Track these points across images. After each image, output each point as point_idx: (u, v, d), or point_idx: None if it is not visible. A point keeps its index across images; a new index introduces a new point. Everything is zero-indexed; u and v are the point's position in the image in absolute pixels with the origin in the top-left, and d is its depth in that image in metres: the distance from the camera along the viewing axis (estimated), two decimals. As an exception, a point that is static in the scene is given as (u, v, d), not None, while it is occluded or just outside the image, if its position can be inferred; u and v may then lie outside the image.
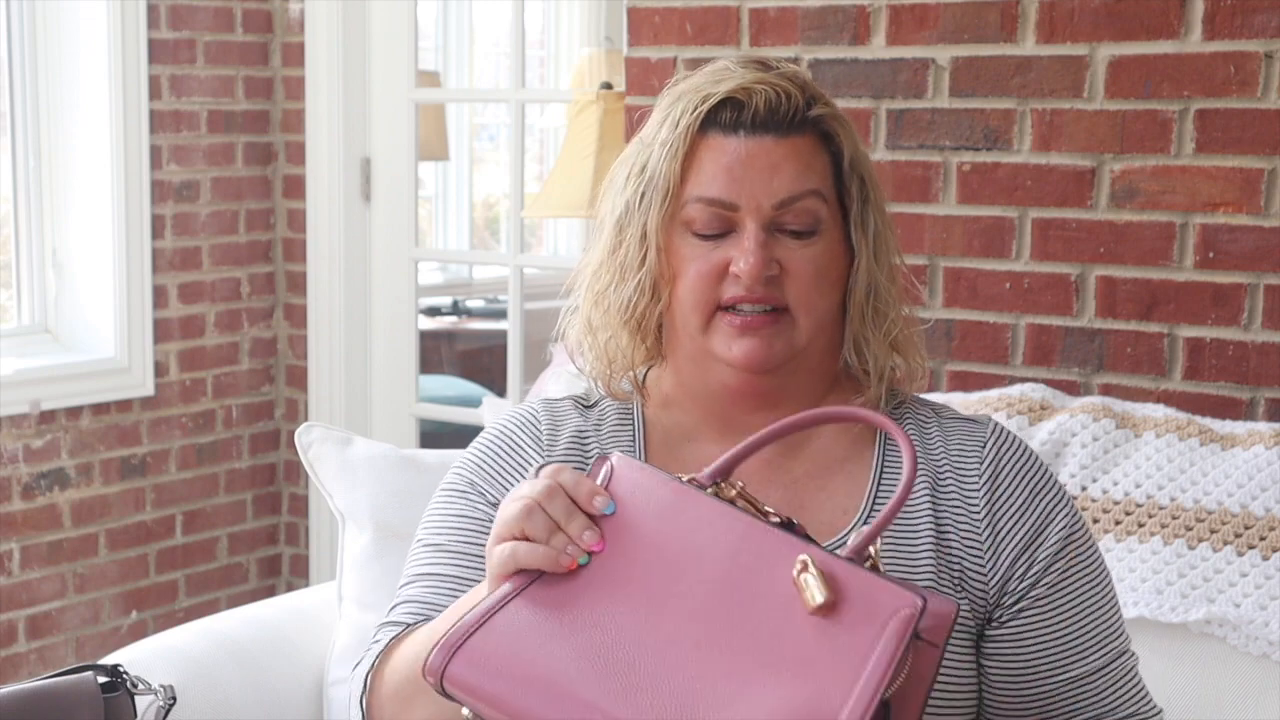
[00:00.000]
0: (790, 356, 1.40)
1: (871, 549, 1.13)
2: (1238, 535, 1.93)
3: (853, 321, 1.44)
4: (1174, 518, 1.97)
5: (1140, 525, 1.98)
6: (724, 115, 1.40)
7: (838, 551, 1.13)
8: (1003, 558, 1.40)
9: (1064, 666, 1.39)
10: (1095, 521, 2.01)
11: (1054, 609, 1.40)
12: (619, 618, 1.14)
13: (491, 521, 1.42)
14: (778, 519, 1.17)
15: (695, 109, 1.40)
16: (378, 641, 1.43)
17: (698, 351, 1.42)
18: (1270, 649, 1.86)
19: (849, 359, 1.46)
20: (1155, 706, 1.43)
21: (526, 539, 1.18)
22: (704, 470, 1.21)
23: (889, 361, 1.46)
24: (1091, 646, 1.40)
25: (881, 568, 1.13)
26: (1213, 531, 1.94)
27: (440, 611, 1.39)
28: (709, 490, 1.19)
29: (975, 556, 1.40)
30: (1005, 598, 1.40)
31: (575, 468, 1.44)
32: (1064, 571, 1.40)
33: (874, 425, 1.19)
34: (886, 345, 1.45)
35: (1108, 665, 1.40)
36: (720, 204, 1.38)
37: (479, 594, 1.26)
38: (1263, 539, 1.91)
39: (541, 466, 1.23)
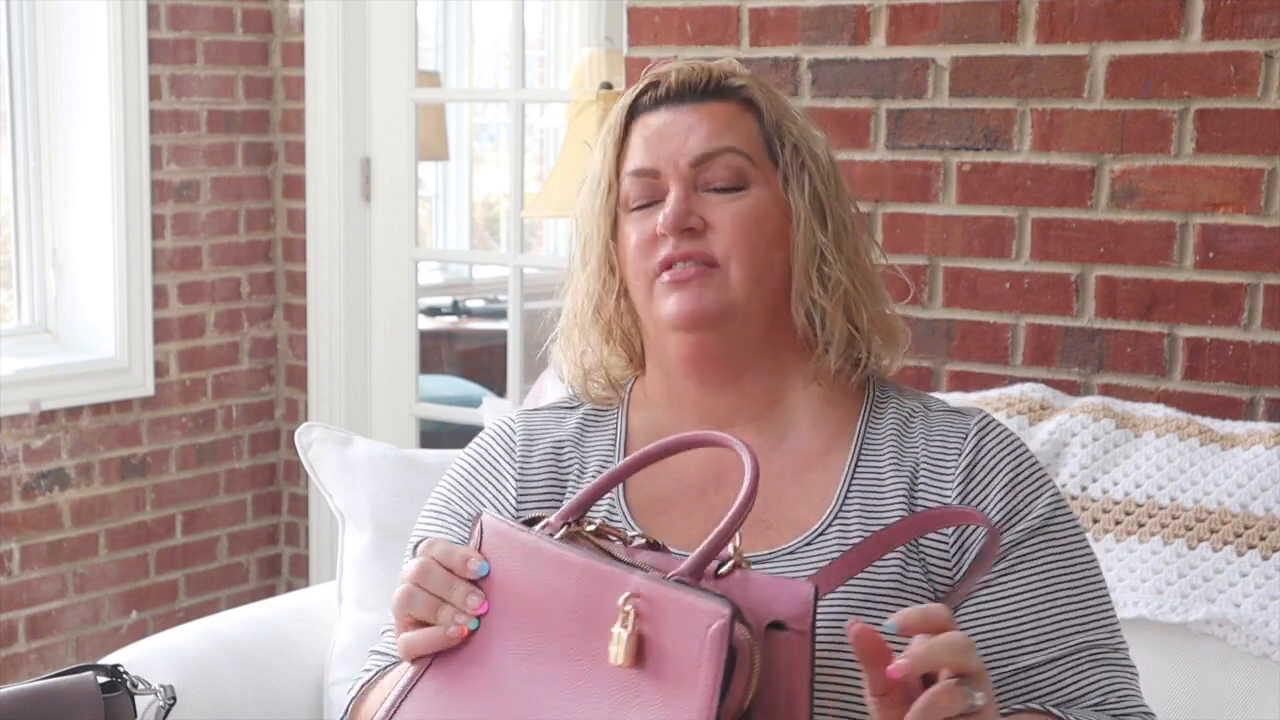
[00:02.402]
0: (727, 310, 1.40)
1: (732, 546, 1.13)
2: (1238, 535, 1.93)
3: (798, 282, 1.44)
4: (1174, 518, 1.97)
5: (1140, 525, 1.98)
6: (646, 97, 1.47)
7: (673, 574, 1.13)
8: (968, 539, 1.37)
9: (1032, 648, 1.35)
10: (1095, 521, 2.01)
11: (1017, 588, 1.36)
12: (508, 675, 1.16)
13: (465, 543, 1.45)
14: (624, 556, 1.19)
15: (623, 100, 1.48)
16: (367, 670, 1.48)
17: (654, 328, 1.45)
18: (1270, 649, 1.86)
19: (797, 320, 1.44)
20: (1142, 704, 1.38)
21: (417, 622, 1.21)
22: (556, 513, 1.23)
23: (842, 328, 1.44)
24: (1062, 630, 1.35)
25: (744, 564, 1.14)
26: (1213, 531, 1.94)
27: None
28: (560, 532, 1.20)
29: (939, 542, 1.37)
30: (965, 558, 1.37)
31: (550, 478, 1.46)
32: (1034, 551, 1.37)
33: (726, 447, 1.20)
34: (839, 311, 1.44)
35: (1077, 653, 1.35)
36: (644, 172, 1.44)
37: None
38: (1263, 539, 1.91)
39: (418, 544, 1.25)
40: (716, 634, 1.05)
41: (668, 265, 1.41)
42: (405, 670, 1.25)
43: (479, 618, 1.19)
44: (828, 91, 2.52)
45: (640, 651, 1.09)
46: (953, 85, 2.42)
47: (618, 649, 1.09)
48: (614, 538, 1.21)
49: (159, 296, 3.63)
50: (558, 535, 1.20)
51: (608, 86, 3.18)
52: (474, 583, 1.20)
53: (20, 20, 3.49)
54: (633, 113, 1.47)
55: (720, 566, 1.13)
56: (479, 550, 1.22)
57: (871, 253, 1.50)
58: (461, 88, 5.98)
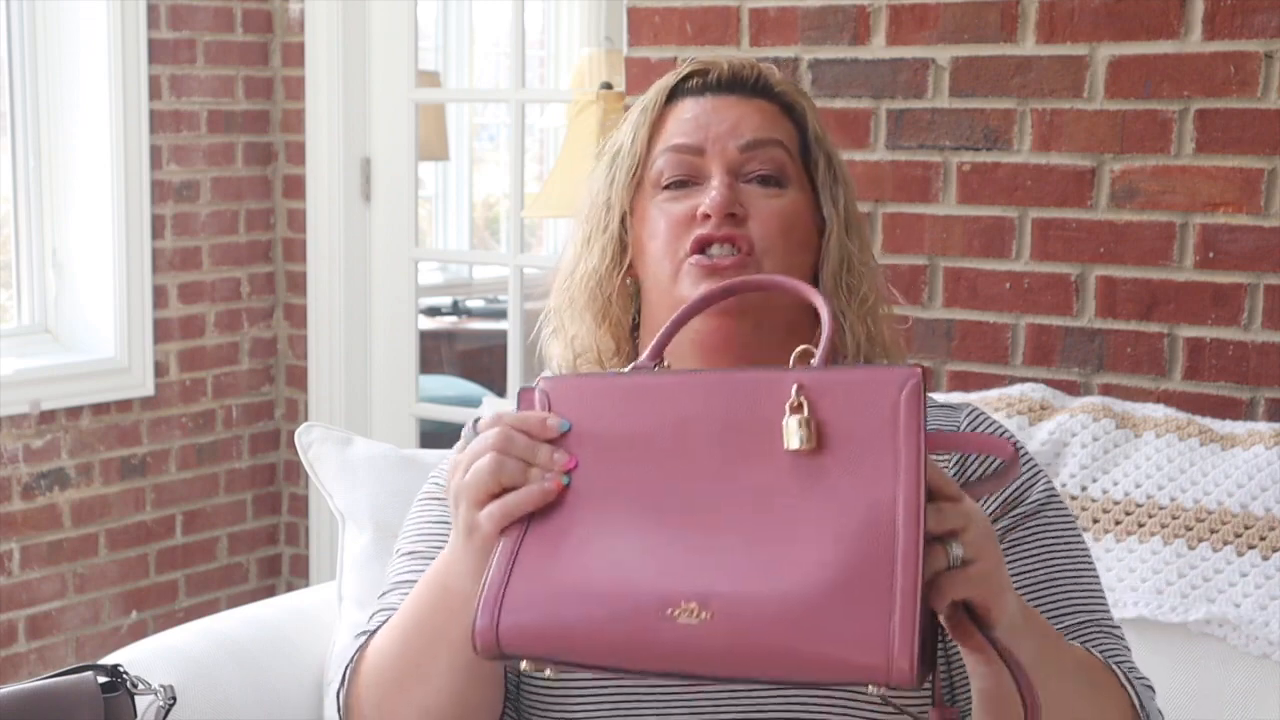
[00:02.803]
0: (758, 300, 1.38)
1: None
2: (1238, 535, 1.93)
3: (825, 289, 1.43)
4: (1174, 518, 1.97)
5: (1140, 525, 1.98)
6: (691, 83, 1.45)
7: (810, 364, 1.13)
8: None
9: None
10: (1095, 521, 2.01)
11: (1014, 571, 1.36)
12: (630, 513, 1.12)
13: None
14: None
15: (664, 82, 1.46)
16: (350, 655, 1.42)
17: (670, 307, 1.39)
18: (1270, 649, 1.86)
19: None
20: (1144, 676, 1.38)
21: (503, 491, 1.15)
22: (640, 358, 1.21)
23: (864, 338, 1.44)
24: (1060, 609, 1.36)
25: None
26: (1213, 531, 1.94)
27: None
28: (655, 370, 1.19)
29: None
30: None
31: None
32: (1029, 535, 1.38)
33: (800, 294, 1.20)
34: (863, 321, 1.44)
35: (1078, 628, 1.35)
36: (686, 149, 1.41)
37: (446, 565, 1.24)
38: (1263, 539, 1.91)
39: (477, 420, 1.20)
40: (913, 390, 1.07)
41: (703, 245, 1.38)
42: (444, 560, 1.21)
43: (568, 474, 1.14)
44: (828, 91, 2.52)
45: (821, 434, 1.08)
46: (953, 85, 2.42)
47: (792, 434, 1.08)
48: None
49: (159, 296, 3.63)
50: (655, 371, 1.18)
51: (608, 86, 3.18)
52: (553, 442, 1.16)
53: (20, 20, 3.49)
54: (672, 95, 1.45)
55: None
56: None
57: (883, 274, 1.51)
58: (461, 88, 5.98)
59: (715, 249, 1.38)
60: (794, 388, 1.09)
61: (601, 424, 1.16)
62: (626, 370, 1.19)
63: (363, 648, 1.36)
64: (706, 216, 1.38)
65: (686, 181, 1.41)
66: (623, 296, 1.47)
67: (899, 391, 1.07)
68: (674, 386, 1.15)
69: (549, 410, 1.17)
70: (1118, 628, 1.40)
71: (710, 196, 1.38)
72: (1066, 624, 1.36)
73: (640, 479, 1.13)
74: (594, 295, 1.46)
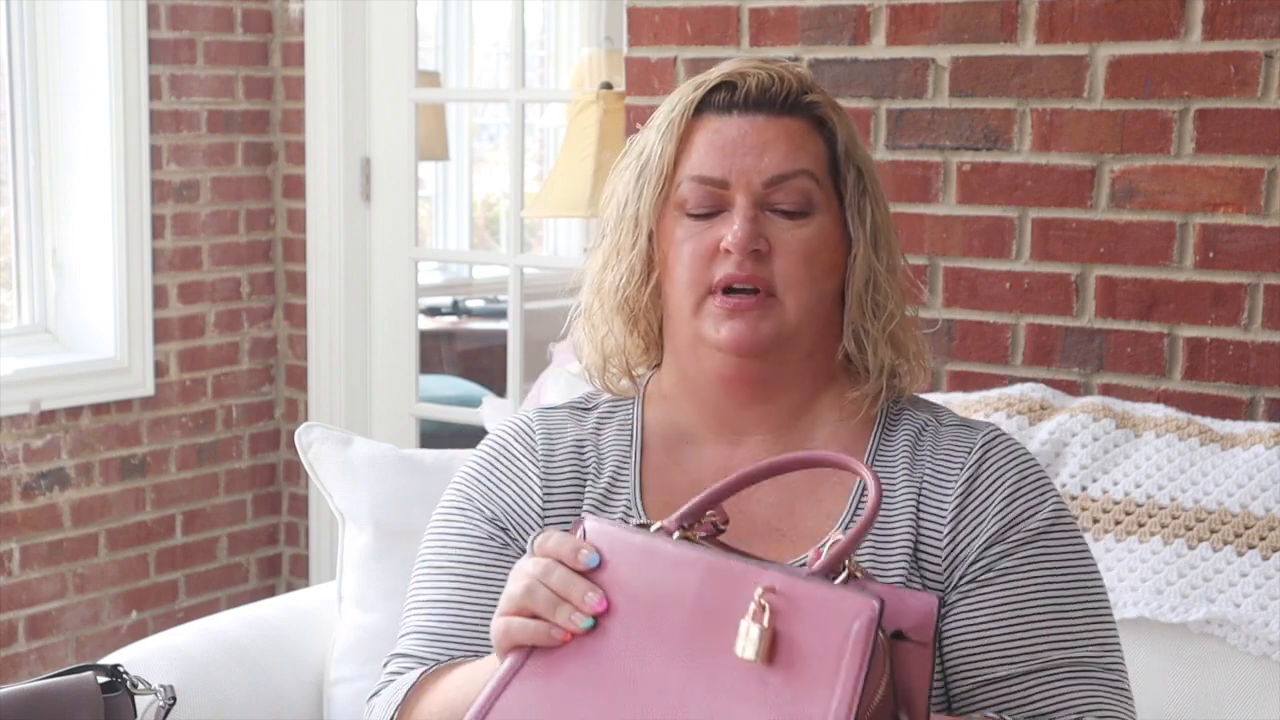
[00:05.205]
0: (779, 341, 1.39)
1: (846, 561, 1.13)
2: (1238, 535, 1.93)
3: (850, 310, 1.43)
4: (1174, 518, 1.97)
5: (1140, 525, 1.98)
6: (718, 97, 1.43)
7: (803, 566, 1.12)
8: (960, 541, 1.36)
9: (1005, 660, 1.33)
10: (1095, 521, 2.01)
11: (999, 598, 1.35)
12: (612, 672, 1.14)
13: (489, 538, 1.45)
14: (741, 553, 1.18)
15: (691, 94, 1.43)
16: (393, 676, 1.44)
17: (690, 337, 1.42)
18: (1270, 649, 1.86)
19: (849, 349, 1.44)
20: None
21: (531, 614, 1.19)
22: (671, 516, 1.22)
23: (888, 356, 1.45)
24: (1039, 644, 1.34)
25: (861, 574, 1.13)
26: (1213, 531, 1.94)
27: (445, 641, 1.42)
28: (676, 535, 1.19)
29: (934, 541, 1.37)
30: (955, 570, 1.36)
31: (573, 476, 1.45)
32: (1020, 564, 1.36)
33: (848, 469, 1.19)
34: (886, 339, 1.44)
35: (1054, 668, 1.33)
36: (712, 181, 1.40)
37: (491, 662, 1.28)
38: (1263, 539, 1.91)
39: (538, 535, 1.23)
40: (864, 626, 1.05)
41: (728, 285, 1.38)
42: (489, 665, 1.24)
43: (596, 617, 1.17)
44: (828, 91, 2.51)
45: (773, 647, 1.08)
46: (953, 85, 2.42)
47: (747, 643, 1.08)
48: (731, 550, 1.20)
49: (159, 296, 3.63)
50: (675, 538, 1.19)
51: (608, 86, 3.19)
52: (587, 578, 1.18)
53: (20, 20, 3.49)
54: (699, 108, 1.43)
55: (834, 578, 1.13)
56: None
57: (908, 272, 1.50)
58: (461, 88, 5.98)
59: (738, 289, 1.39)
60: (759, 591, 1.09)
61: (621, 575, 1.17)
62: (653, 527, 1.20)
63: (403, 707, 1.38)
64: (729, 252, 1.38)
65: (712, 213, 1.41)
66: (651, 304, 1.47)
67: (851, 622, 1.06)
68: (675, 559, 1.16)
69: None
70: (1109, 670, 1.35)
71: (733, 232, 1.38)
72: (1036, 663, 1.33)
73: (619, 644, 1.15)
74: (622, 306, 1.47)
